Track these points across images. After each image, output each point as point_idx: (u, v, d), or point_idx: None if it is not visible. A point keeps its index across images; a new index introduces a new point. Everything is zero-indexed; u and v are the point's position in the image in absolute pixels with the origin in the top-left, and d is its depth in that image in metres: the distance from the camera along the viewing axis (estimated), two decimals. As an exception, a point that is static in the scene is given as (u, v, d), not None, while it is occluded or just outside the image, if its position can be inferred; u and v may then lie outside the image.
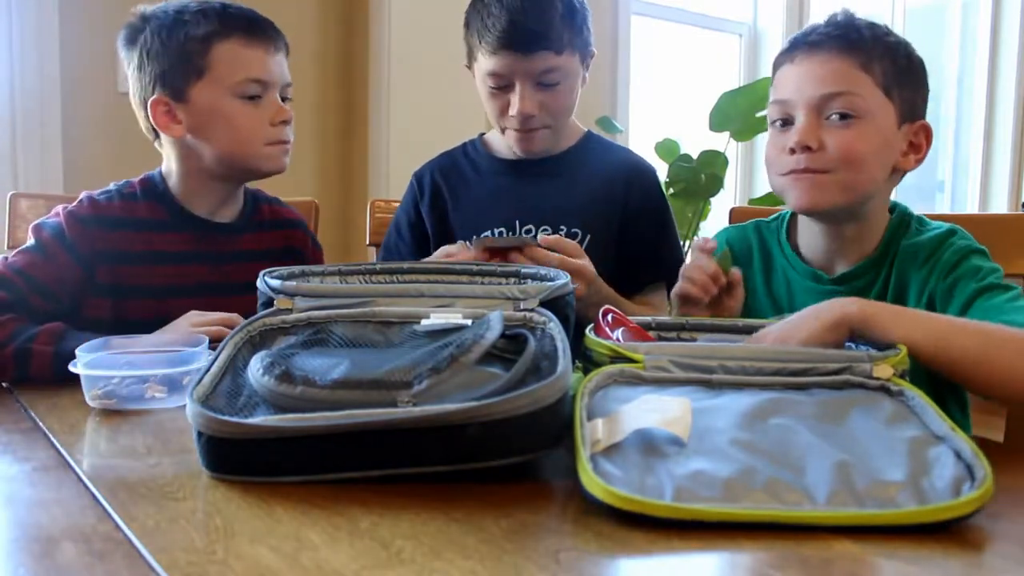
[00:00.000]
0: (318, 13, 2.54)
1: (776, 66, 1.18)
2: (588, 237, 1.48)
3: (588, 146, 1.57)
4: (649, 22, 3.61)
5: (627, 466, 0.67)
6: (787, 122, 1.14)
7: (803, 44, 1.13)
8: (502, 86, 1.42)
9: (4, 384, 1.09)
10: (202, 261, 1.34)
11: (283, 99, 1.35)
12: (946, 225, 1.16)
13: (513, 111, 1.42)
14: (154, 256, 1.31)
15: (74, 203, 1.30)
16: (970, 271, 1.08)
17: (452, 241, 1.50)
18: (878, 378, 0.83)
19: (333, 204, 2.60)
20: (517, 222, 1.50)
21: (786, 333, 0.94)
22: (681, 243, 1.66)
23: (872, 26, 1.13)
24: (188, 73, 1.28)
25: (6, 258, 1.23)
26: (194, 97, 1.28)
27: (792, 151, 1.10)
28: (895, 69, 1.11)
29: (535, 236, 1.47)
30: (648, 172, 1.58)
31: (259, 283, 0.95)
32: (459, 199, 1.56)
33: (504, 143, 1.55)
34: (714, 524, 0.62)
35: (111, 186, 1.34)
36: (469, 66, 1.51)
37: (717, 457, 0.68)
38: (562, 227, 1.48)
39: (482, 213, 1.52)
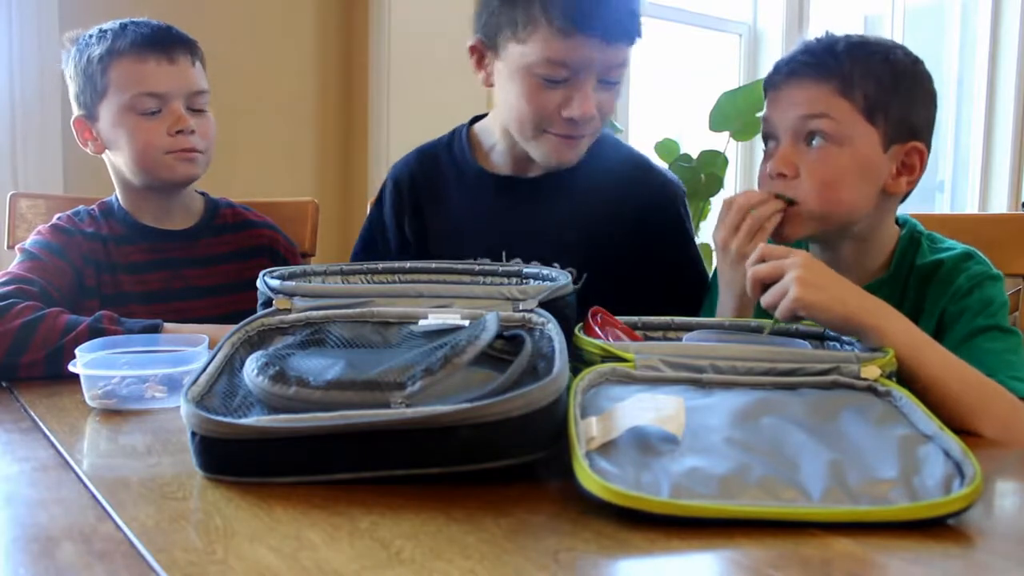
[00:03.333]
0: (318, 13, 2.54)
1: (764, 88, 1.18)
2: (585, 276, 1.28)
3: (591, 155, 1.29)
4: (649, 22, 3.59)
5: (623, 463, 0.67)
6: (772, 141, 1.15)
7: (784, 71, 1.14)
8: (558, 80, 1.16)
9: (3, 384, 1.09)
10: (160, 268, 1.38)
11: (197, 109, 1.35)
12: (961, 247, 1.15)
13: (574, 112, 1.16)
14: (115, 267, 1.36)
15: (50, 222, 1.36)
16: (978, 303, 1.08)
17: (430, 258, 1.23)
18: (865, 379, 0.83)
19: (333, 204, 2.59)
20: (504, 252, 1.28)
21: (813, 279, 0.94)
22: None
23: (854, 47, 1.11)
24: (95, 93, 1.33)
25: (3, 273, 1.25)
26: (101, 115, 1.33)
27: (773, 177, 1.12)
28: (879, 91, 1.09)
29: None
30: (661, 186, 1.35)
31: (259, 283, 0.96)
32: (439, 214, 1.35)
33: (499, 150, 1.32)
34: (712, 522, 0.62)
35: (79, 208, 1.41)
36: (488, 48, 1.22)
37: (712, 455, 0.68)
38: (555, 264, 1.22)
39: (463, 235, 1.32)
